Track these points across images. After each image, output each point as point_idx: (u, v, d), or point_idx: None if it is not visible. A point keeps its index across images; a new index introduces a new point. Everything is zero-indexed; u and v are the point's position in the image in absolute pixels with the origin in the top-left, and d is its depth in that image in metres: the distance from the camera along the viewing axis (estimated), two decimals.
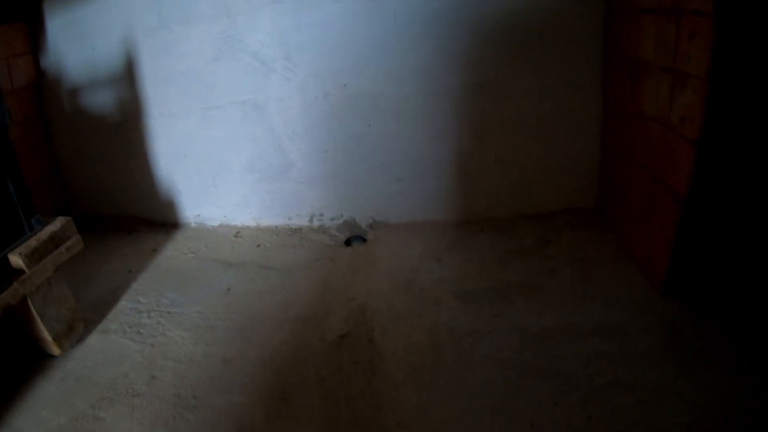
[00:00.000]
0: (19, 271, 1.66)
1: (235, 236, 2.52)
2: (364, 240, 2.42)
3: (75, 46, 2.39)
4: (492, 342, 1.70)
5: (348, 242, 2.41)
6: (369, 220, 2.50)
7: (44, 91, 2.49)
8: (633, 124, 2.01)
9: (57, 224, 1.84)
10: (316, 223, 2.54)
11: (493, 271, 2.06)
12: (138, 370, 1.70)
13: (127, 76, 2.39)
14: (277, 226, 2.56)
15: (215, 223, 2.61)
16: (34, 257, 1.69)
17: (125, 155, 2.53)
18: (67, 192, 2.69)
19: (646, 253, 1.93)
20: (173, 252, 2.41)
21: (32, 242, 1.72)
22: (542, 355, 1.63)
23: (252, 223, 2.58)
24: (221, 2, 2.23)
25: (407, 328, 1.81)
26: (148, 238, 2.54)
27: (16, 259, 1.65)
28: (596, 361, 1.58)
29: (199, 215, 2.61)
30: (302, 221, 2.55)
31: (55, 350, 1.79)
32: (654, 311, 1.77)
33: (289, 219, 2.55)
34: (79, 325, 1.89)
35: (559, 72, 2.21)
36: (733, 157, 1.60)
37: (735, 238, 1.74)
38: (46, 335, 1.77)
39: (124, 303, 2.06)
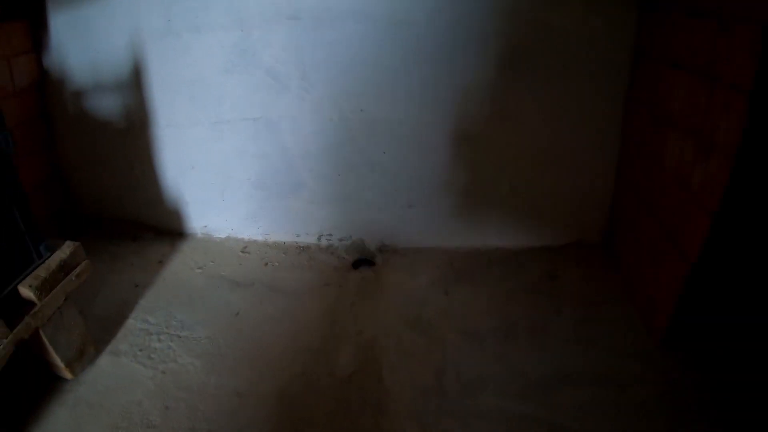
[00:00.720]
0: (30, 302, 1.65)
1: (242, 251, 2.51)
2: (372, 263, 2.43)
3: (79, 46, 2.29)
4: (495, 387, 1.75)
5: (356, 265, 2.42)
6: (378, 243, 2.50)
7: (47, 91, 2.39)
8: (650, 174, 2.01)
9: (66, 251, 1.81)
10: (324, 243, 2.54)
11: (500, 308, 2.10)
12: (151, 399, 1.73)
13: (134, 81, 2.31)
14: (285, 243, 2.56)
15: (222, 236, 2.60)
16: (44, 288, 1.68)
17: (130, 162, 2.48)
18: (71, 194, 2.63)
19: (649, 302, 1.98)
20: (180, 266, 2.40)
21: (41, 272, 1.70)
22: (542, 404, 1.68)
23: (260, 238, 2.57)
24: (235, 13, 2.13)
25: (415, 367, 1.85)
26: (153, 248, 2.52)
27: (26, 292, 1.64)
28: (593, 412, 1.64)
29: (206, 226, 2.59)
30: (310, 239, 2.54)
31: (66, 375, 1.80)
32: (652, 361, 1.82)
33: (298, 236, 2.54)
34: (90, 348, 1.90)
35: (581, 108, 2.18)
36: (749, 229, 1.62)
37: (740, 299, 1.78)
38: (58, 362, 1.78)
39: (132, 322, 2.07)
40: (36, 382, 1.78)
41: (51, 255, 1.77)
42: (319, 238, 2.54)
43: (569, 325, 2.00)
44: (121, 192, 2.56)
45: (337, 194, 2.43)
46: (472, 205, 2.41)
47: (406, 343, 1.96)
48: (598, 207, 2.39)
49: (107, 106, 2.37)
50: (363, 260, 2.45)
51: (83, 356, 1.86)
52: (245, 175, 2.44)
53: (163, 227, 2.61)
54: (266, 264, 2.43)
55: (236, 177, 2.46)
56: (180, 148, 2.43)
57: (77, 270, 1.83)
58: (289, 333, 2.01)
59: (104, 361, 1.89)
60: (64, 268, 1.77)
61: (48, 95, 2.40)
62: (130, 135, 2.41)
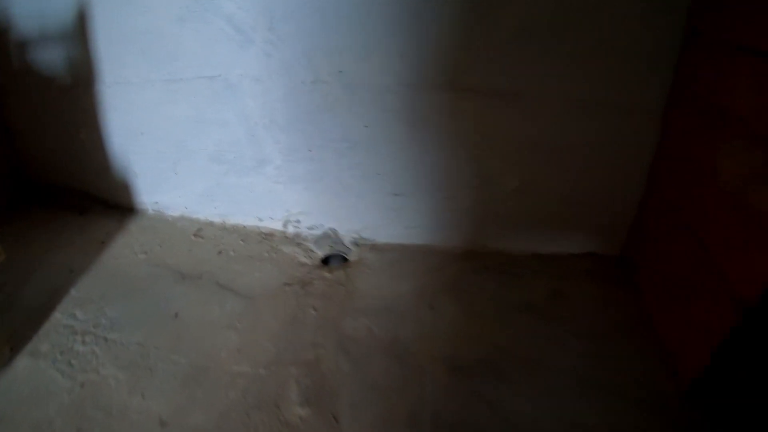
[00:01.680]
0: None
1: (195, 234, 2.17)
2: (345, 260, 2.07)
3: None
4: None
5: (326, 261, 2.06)
6: (354, 236, 2.13)
7: None
8: (694, 186, 1.58)
9: None
10: (291, 230, 2.17)
11: (493, 333, 1.73)
12: (64, 418, 1.46)
13: (79, 30, 1.92)
14: (245, 227, 2.21)
15: (175, 214, 2.26)
16: None
17: (76, 125, 2.13)
18: (19, 158, 2.32)
19: (679, 342, 1.59)
20: (123, 249, 2.08)
21: None
22: None
23: (217, 219, 2.22)
24: None
25: (383, 406, 1.50)
26: (99, 224, 2.21)
27: None
28: None
29: (157, 202, 2.25)
30: (275, 225, 2.18)
31: None
32: (673, 416, 1.46)
33: (260, 220, 2.18)
34: (5, 349, 1.65)
35: (613, 94, 1.72)
36: None
37: None
38: None
39: (59, 316, 1.78)
40: None
41: None
42: (285, 224, 2.18)
43: (574, 362, 1.63)
44: (69, 158, 2.23)
45: (308, 174, 2.05)
46: (472, 200, 2.00)
47: (375, 372, 1.60)
48: (620, 215, 1.96)
49: (52, 60, 2.01)
50: (335, 256, 2.09)
51: None
52: (201, 144, 2.07)
53: (112, 201, 2.29)
54: (220, 252, 2.08)
55: (191, 147, 2.08)
56: (128, 110, 2.05)
57: None
58: (233, 347, 1.69)
59: (21, 363, 1.63)
60: None
61: None
62: (75, 93, 2.05)
